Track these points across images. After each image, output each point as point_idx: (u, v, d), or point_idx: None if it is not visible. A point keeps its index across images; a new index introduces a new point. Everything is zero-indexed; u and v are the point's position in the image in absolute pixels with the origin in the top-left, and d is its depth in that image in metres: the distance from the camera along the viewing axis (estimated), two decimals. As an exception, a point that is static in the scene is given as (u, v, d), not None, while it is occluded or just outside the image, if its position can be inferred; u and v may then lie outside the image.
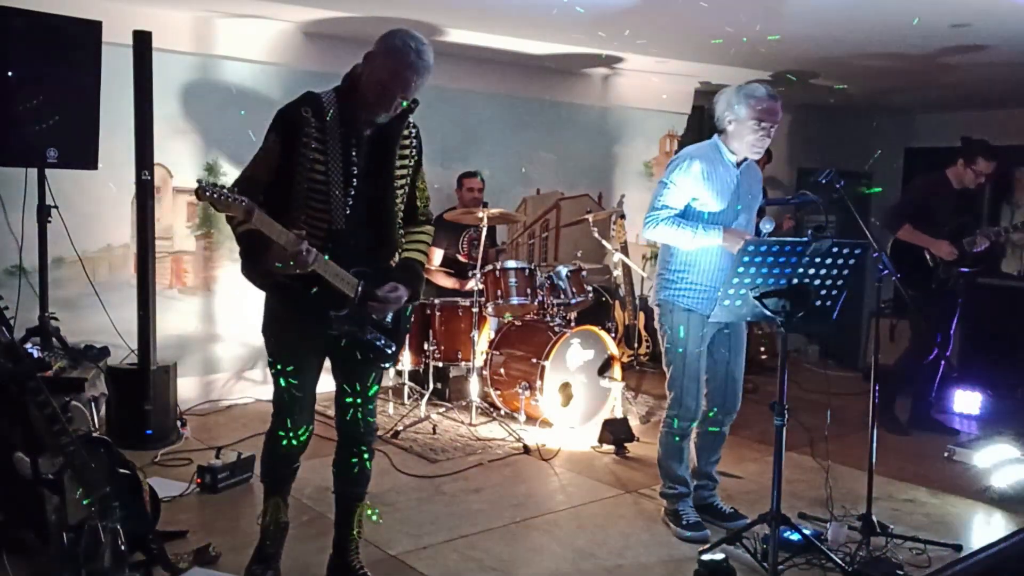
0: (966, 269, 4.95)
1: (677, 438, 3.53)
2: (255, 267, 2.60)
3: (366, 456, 2.89)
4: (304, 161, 2.51)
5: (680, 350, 3.44)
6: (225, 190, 2.32)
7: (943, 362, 5.17)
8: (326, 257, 2.52)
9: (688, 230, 3.32)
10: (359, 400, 2.81)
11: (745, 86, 3.35)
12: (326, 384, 2.85)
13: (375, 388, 2.87)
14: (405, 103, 2.57)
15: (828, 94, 7.17)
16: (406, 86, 2.52)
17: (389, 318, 2.73)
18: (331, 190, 2.55)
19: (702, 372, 3.47)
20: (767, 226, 3.09)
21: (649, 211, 3.41)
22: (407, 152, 2.73)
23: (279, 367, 2.74)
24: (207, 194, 2.29)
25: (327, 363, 2.84)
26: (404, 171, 2.72)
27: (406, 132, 2.71)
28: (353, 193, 2.58)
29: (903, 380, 5.16)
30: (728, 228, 3.32)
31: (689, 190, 3.36)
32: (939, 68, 5.88)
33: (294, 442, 2.81)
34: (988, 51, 5.24)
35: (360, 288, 2.61)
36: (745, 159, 3.44)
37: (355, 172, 2.58)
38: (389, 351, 2.75)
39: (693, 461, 3.66)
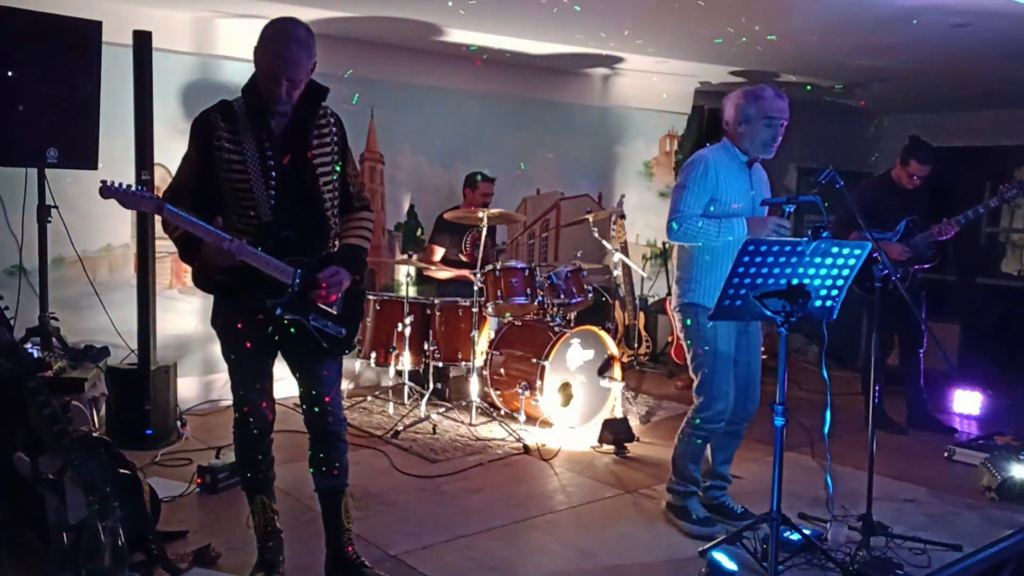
0: (925, 266, 4.93)
1: (700, 440, 3.51)
2: (192, 266, 2.68)
3: (338, 448, 2.90)
4: (221, 163, 2.61)
5: (711, 351, 3.41)
6: (130, 188, 2.45)
7: (920, 356, 5.15)
8: (259, 249, 2.60)
9: (713, 226, 3.32)
10: (319, 391, 2.84)
11: (752, 87, 3.39)
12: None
13: (335, 378, 2.88)
14: (302, 87, 2.63)
15: (830, 94, 7.18)
16: (288, 68, 2.57)
17: (336, 305, 2.76)
18: (252, 186, 2.63)
19: (731, 372, 3.47)
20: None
21: (672, 216, 3.40)
22: (326, 140, 2.76)
23: (231, 361, 2.83)
24: (111, 192, 2.42)
25: (287, 366, 2.88)
26: (325, 157, 2.75)
27: (323, 121, 2.76)
28: (274, 185, 2.65)
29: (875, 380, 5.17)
30: (749, 216, 3.34)
31: (706, 191, 3.37)
32: (939, 68, 5.88)
33: (255, 431, 2.87)
34: (988, 51, 5.24)
35: (297, 275, 2.65)
36: (755, 160, 3.47)
37: (272, 164, 2.64)
38: (340, 336, 2.77)
39: (708, 460, 3.65)
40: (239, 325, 2.73)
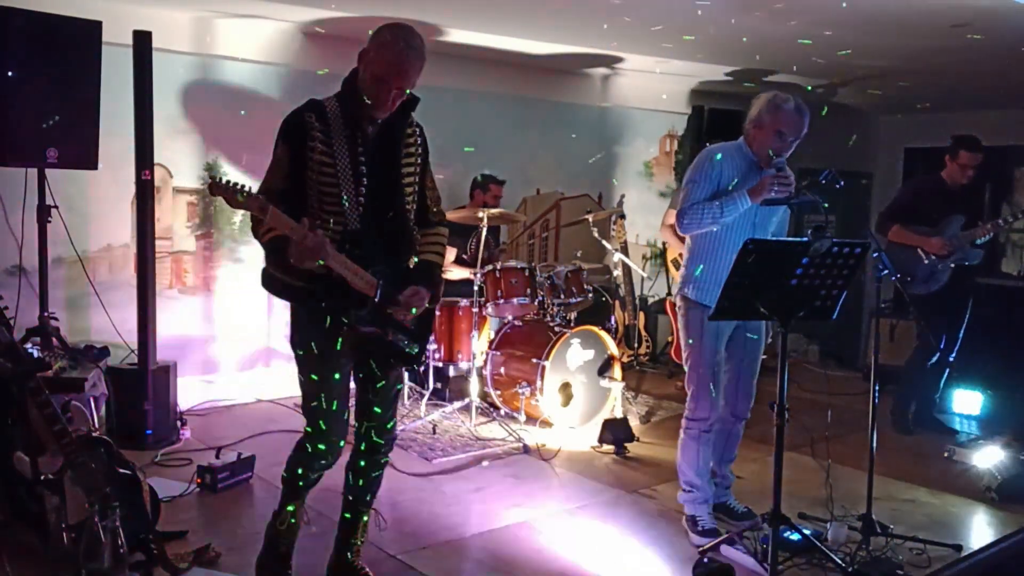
0: (966, 263, 4.92)
1: (694, 440, 3.51)
2: (279, 269, 2.58)
3: (383, 463, 2.88)
4: (313, 166, 2.53)
5: (699, 345, 3.44)
6: (238, 185, 2.35)
7: (949, 363, 5.16)
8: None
9: (716, 207, 3.32)
10: (381, 406, 2.80)
11: (777, 95, 3.38)
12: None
13: (397, 394, 2.86)
14: (406, 96, 2.59)
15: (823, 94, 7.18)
16: (402, 77, 2.53)
17: (411, 320, 2.71)
18: (343, 191, 2.55)
19: (721, 368, 3.47)
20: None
21: (680, 208, 3.42)
22: (412, 150, 2.72)
23: (314, 381, 2.68)
24: (220, 190, 2.32)
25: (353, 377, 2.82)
26: (411, 168, 2.72)
27: (410, 131, 2.72)
28: (365, 193, 2.58)
29: (911, 382, 5.17)
30: (748, 188, 3.32)
31: (711, 183, 3.39)
32: (939, 68, 5.88)
33: (329, 455, 2.75)
34: (988, 51, 5.24)
35: (380, 287, 2.59)
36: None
37: (364, 172, 2.58)
38: (412, 353, 2.73)
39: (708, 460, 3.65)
40: (322, 342, 2.62)
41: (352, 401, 2.82)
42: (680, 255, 6.13)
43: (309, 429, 2.74)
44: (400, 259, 2.72)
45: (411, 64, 2.52)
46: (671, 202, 6.38)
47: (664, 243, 7.46)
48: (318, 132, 2.53)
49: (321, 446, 2.72)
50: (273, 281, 2.67)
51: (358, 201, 2.57)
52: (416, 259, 2.79)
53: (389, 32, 2.54)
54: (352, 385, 2.80)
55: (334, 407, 2.70)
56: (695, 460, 3.53)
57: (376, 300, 2.58)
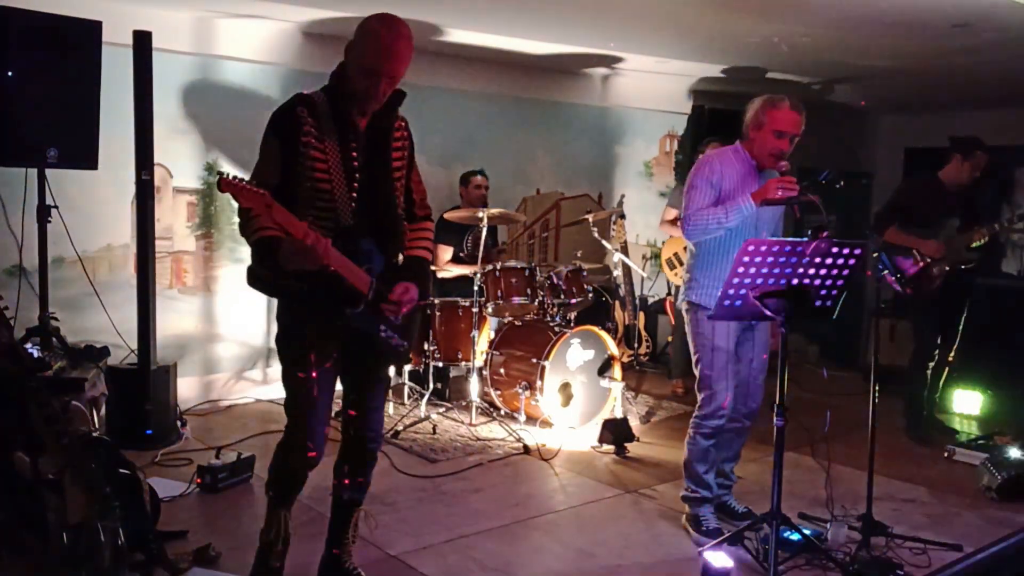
0: (962, 267, 4.91)
1: (706, 440, 3.51)
2: (272, 271, 2.52)
3: (369, 463, 2.87)
4: (305, 160, 2.50)
5: (710, 348, 3.44)
6: (245, 180, 2.31)
7: (948, 363, 5.15)
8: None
9: (720, 211, 3.33)
10: (369, 404, 2.79)
11: (773, 95, 3.39)
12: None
13: (385, 391, 2.84)
14: (393, 87, 2.56)
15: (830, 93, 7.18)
16: (392, 65, 2.48)
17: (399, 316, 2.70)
18: (335, 187, 2.53)
19: (732, 369, 3.48)
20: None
21: (684, 215, 3.44)
22: (400, 144, 2.71)
23: (296, 376, 2.65)
24: (229, 186, 2.27)
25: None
26: (399, 163, 2.71)
27: (398, 125, 2.71)
28: (357, 187, 2.56)
29: (915, 384, 5.13)
30: (752, 192, 3.32)
31: (712, 188, 3.40)
32: (939, 68, 5.89)
33: (307, 463, 2.69)
34: (988, 51, 5.24)
35: (374, 283, 2.58)
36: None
37: (356, 167, 2.56)
38: (402, 348, 2.72)
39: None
40: (310, 341, 2.60)
41: (339, 398, 2.81)
42: (675, 255, 6.17)
43: (292, 428, 2.70)
44: (390, 255, 2.70)
45: (400, 52, 2.47)
46: (669, 200, 6.37)
47: (663, 243, 7.47)
48: (311, 127, 2.50)
49: (300, 456, 2.68)
50: (261, 279, 2.64)
51: (351, 196, 2.55)
52: (404, 255, 2.77)
53: (376, 21, 2.49)
54: (338, 383, 2.78)
55: (319, 415, 2.67)
56: (705, 460, 3.53)
57: (370, 298, 2.57)
